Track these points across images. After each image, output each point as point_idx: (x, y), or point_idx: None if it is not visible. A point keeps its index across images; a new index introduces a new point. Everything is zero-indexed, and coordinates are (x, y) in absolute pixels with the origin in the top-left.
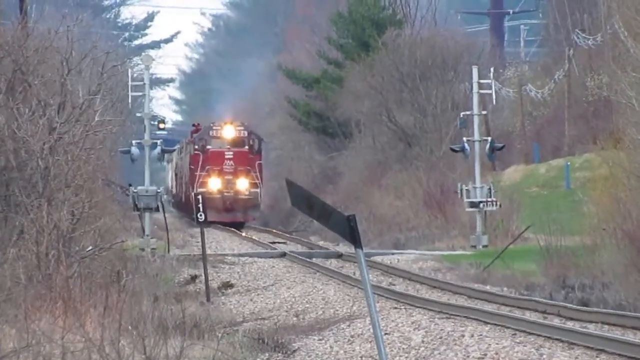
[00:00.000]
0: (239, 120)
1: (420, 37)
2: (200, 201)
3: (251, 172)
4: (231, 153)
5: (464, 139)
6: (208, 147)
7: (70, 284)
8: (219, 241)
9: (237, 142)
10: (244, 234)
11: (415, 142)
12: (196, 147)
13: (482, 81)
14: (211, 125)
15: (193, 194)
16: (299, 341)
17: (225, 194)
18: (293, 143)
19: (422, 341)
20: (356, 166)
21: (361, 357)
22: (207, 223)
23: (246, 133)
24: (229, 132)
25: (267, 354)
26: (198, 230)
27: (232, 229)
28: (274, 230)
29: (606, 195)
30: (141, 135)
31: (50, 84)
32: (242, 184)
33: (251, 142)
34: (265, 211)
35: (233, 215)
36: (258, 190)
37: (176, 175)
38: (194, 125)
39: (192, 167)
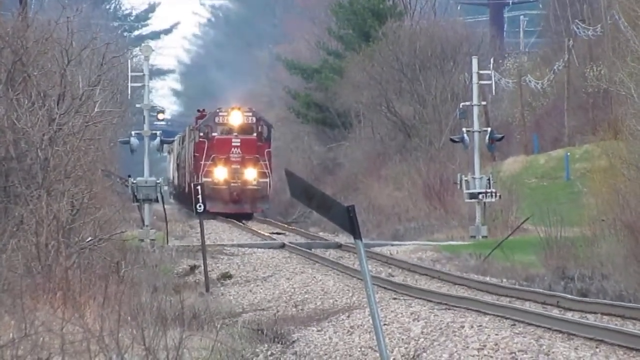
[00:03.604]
0: (247, 106)
1: (420, 27)
2: (200, 192)
3: (260, 161)
4: (238, 140)
5: (464, 129)
6: (214, 134)
7: (70, 274)
8: (218, 232)
9: (245, 129)
10: (242, 225)
11: (414, 132)
12: (201, 134)
13: (481, 72)
14: (217, 110)
15: (193, 184)
16: (298, 332)
17: (232, 184)
18: (292, 134)
19: (422, 332)
20: (355, 157)
21: (360, 347)
22: (211, 214)
23: (254, 119)
24: (236, 118)
25: (266, 345)
26: (198, 221)
27: (233, 220)
28: (273, 221)
29: (605, 186)
30: (140, 126)
31: (50, 75)
32: (250, 174)
33: (260, 129)
34: None
35: (240, 207)
36: (267, 180)
37: (178, 165)
38: (198, 110)
39: (197, 155)
